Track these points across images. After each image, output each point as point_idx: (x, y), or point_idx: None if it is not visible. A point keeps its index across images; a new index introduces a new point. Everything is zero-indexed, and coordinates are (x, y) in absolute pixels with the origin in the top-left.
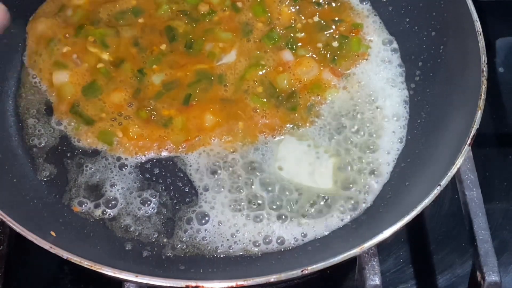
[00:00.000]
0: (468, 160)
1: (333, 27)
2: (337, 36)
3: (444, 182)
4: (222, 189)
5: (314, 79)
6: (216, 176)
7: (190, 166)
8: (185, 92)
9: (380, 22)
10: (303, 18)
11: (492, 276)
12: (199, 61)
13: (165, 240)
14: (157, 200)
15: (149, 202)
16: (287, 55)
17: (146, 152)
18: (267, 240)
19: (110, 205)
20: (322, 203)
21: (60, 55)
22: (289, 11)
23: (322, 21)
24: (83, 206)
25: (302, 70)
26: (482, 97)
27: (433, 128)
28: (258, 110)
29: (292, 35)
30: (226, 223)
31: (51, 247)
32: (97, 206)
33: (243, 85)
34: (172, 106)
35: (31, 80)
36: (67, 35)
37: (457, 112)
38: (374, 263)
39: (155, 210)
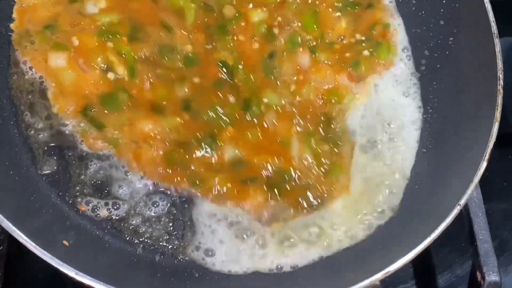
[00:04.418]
0: None
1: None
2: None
3: (463, 201)
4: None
5: (333, 88)
6: None
7: None
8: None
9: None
10: (356, 35)
11: (492, 276)
12: (274, 149)
13: (176, 242)
14: (166, 200)
15: (158, 202)
16: (304, 59)
17: (152, 178)
18: (279, 267)
19: (117, 205)
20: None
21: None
22: (345, 26)
23: (363, 37)
24: (90, 205)
25: (318, 79)
26: (499, 109)
27: (445, 145)
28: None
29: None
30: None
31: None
32: (104, 205)
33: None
34: (226, 182)
35: (22, 66)
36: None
37: (470, 122)
38: None
39: (165, 211)
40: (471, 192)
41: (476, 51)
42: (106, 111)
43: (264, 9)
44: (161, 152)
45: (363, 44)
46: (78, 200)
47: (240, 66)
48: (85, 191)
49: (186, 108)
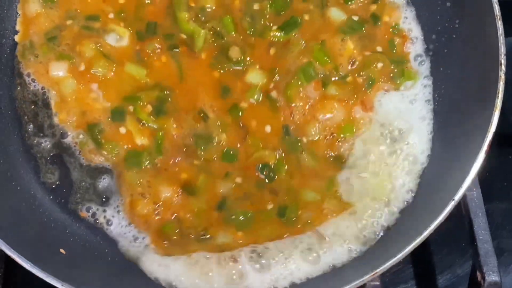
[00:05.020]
0: None
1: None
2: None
3: (458, 196)
4: None
5: (343, 122)
6: None
7: None
8: None
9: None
10: (366, 53)
11: (492, 276)
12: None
13: None
14: None
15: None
16: (311, 90)
17: (139, 228)
18: None
19: (117, 209)
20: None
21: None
22: (353, 47)
23: (380, 48)
24: (90, 211)
25: (325, 114)
26: (500, 96)
27: (448, 137)
28: None
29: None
30: None
31: (62, 285)
32: (102, 211)
33: None
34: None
35: (25, 78)
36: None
37: (471, 110)
38: None
39: None
40: (468, 186)
41: (480, 35)
42: (127, 167)
43: (262, 72)
44: (159, 217)
45: (378, 56)
46: (79, 207)
47: (284, 168)
48: (86, 197)
49: (220, 207)
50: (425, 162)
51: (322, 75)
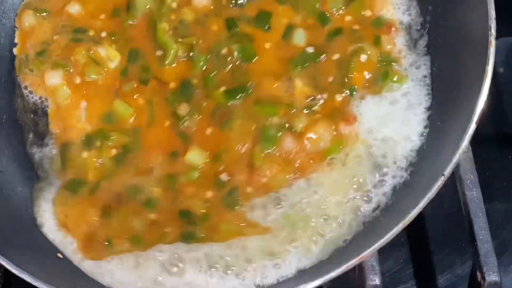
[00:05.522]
0: (468, 160)
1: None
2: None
3: (448, 171)
4: None
5: (330, 142)
6: None
7: None
8: None
9: None
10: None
11: (492, 276)
12: None
13: None
14: None
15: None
16: (290, 144)
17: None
18: None
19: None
20: None
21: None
22: (301, 84)
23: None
24: None
25: (313, 147)
26: (490, 61)
27: (443, 114)
28: None
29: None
30: None
31: None
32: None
33: None
34: None
35: (24, 91)
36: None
37: (466, 81)
38: (374, 263)
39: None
40: (457, 160)
41: (470, 2)
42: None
43: (201, 152)
44: (80, 230)
45: (359, 45)
46: None
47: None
48: None
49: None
50: (417, 145)
51: (285, 127)
